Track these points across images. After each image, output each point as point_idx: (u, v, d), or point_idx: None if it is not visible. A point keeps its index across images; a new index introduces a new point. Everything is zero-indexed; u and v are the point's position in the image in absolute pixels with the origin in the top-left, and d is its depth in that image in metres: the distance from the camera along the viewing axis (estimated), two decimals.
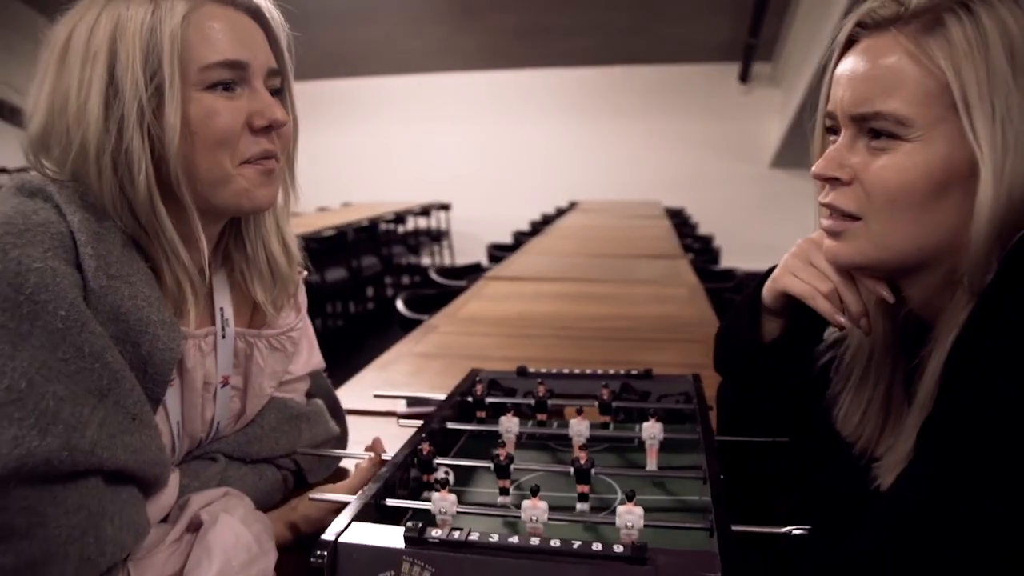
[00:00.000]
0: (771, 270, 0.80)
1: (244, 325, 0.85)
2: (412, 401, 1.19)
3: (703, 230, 5.39)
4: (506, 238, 4.92)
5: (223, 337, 0.81)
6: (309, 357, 0.95)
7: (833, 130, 0.67)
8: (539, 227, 5.20)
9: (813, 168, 0.65)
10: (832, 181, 0.64)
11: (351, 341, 4.72)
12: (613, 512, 0.74)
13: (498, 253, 3.81)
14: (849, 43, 0.66)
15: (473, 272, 3.09)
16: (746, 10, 5.53)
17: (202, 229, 0.73)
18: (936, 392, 0.57)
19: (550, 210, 6.71)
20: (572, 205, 6.77)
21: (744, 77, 6.96)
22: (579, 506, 0.75)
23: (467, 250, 7.22)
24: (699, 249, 3.84)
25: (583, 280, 2.62)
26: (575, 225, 4.91)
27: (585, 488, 0.75)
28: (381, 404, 1.16)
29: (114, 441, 0.60)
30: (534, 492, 0.65)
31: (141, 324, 0.64)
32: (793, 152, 6.66)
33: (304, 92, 0.94)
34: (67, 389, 0.57)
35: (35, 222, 0.61)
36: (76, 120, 0.66)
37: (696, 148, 7.36)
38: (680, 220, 5.55)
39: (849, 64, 0.65)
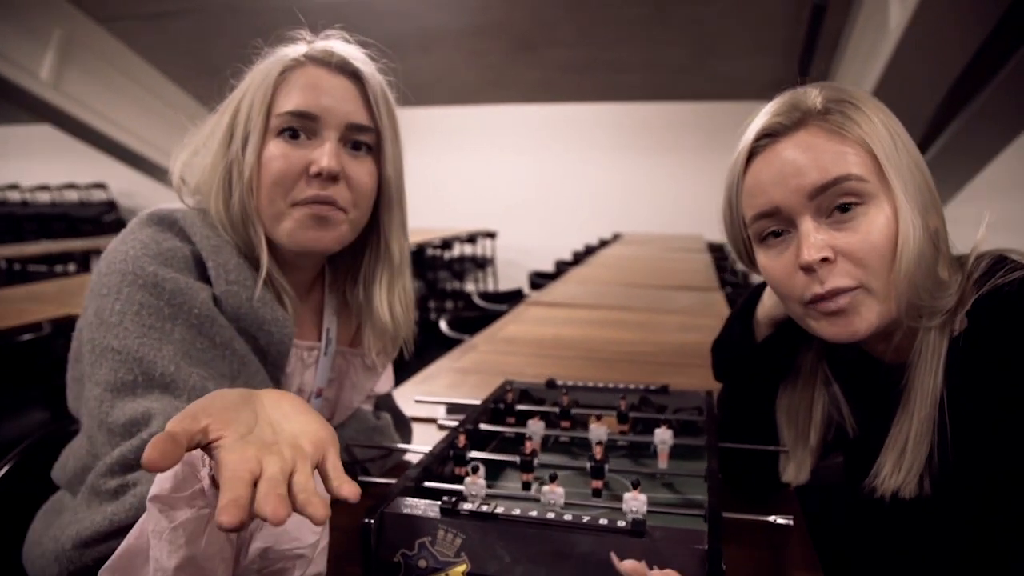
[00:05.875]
0: (760, 287, 0.91)
1: (346, 343, 0.97)
2: (451, 408, 1.31)
3: (742, 265, 5.43)
4: (549, 266, 5.04)
5: (325, 354, 0.93)
6: (388, 379, 1.08)
7: (775, 233, 0.74)
8: (581, 257, 5.30)
9: (804, 258, 0.69)
10: (823, 262, 0.70)
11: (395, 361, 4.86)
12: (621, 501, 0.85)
13: (539, 280, 3.92)
14: (750, 154, 0.76)
15: (515, 298, 3.21)
16: (795, 48, 5.59)
17: (297, 260, 0.87)
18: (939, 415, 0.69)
19: (594, 241, 6.80)
20: (616, 236, 6.86)
21: None
22: (593, 500, 0.84)
23: (511, 277, 7.35)
24: (736, 283, 3.89)
25: (615, 308, 2.71)
26: (616, 255, 5.00)
27: (599, 484, 0.84)
28: (422, 411, 1.27)
29: None
30: (552, 478, 0.75)
31: (257, 322, 0.78)
32: None
33: None
34: (207, 371, 0.72)
35: (165, 248, 0.77)
36: (207, 150, 0.82)
37: None
38: (721, 255, 5.59)
39: (781, 162, 0.72)
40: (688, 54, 6.31)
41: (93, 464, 0.73)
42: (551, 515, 0.67)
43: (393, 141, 0.87)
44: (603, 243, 6.45)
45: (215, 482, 0.54)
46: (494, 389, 1.16)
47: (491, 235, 7.80)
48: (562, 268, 4.49)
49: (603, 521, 0.66)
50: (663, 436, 0.94)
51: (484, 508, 0.68)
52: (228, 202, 0.82)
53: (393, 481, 0.88)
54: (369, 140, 0.85)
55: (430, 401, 1.22)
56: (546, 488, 0.75)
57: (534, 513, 0.68)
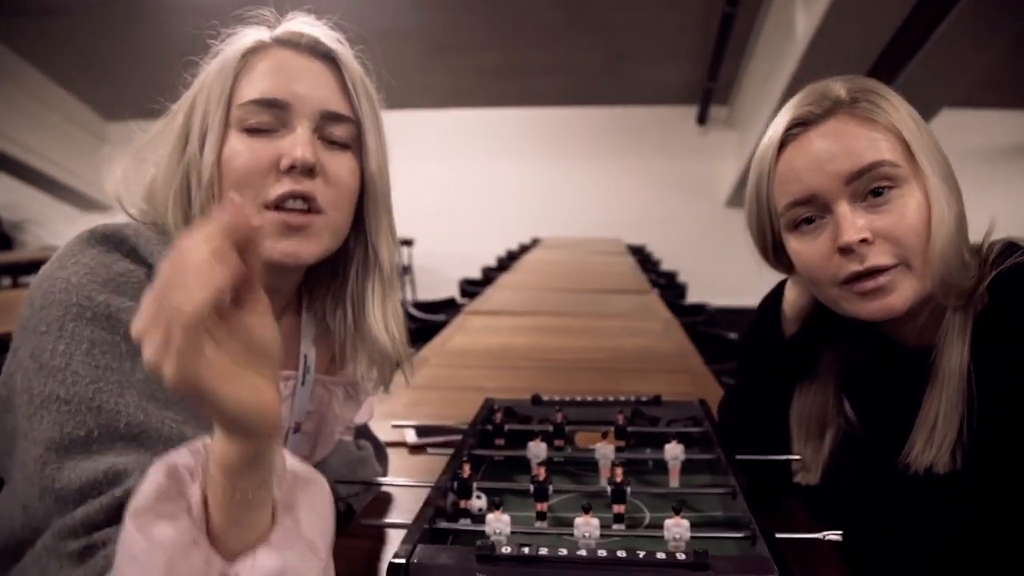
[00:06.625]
0: (780, 285, 0.90)
1: (322, 371, 0.86)
2: (421, 430, 1.23)
3: (664, 267, 5.55)
4: (468, 273, 4.97)
5: (303, 384, 0.81)
6: (369, 407, 0.98)
7: (808, 220, 0.76)
8: (505, 263, 5.27)
9: (844, 239, 0.71)
10: (862, 243, 0.71)
11: None
12: (648, 527, 0.80)
13: (470, 288, 3.85)
14: (781, 144, 0.77)
15: (449, 307, 3.13)
16: (706, 55, 5.77)
17: (271, 278, 0.74)
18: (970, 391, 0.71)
19: (513, 246, 6.79)
20: (535, 242, 6.87)
21: (702, 119, 7.21)
22: (615, 527, 0.78)
23: (429, 285, 7.24)
24: (665, 285, 3.94)
25: (558, 314, 2.68)
26: (542, 261, 4.99)
27: (621, 508, 0.78)
28: (390, 434, 1.18)
29: None
30: (586, 509, 0.69)
31: None
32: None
33: None
34: (180, 414, 0.60)
35: (116, 271, 0.64)
36: (158, 155, 0.71)
37: (655, 187, 7.56)
38: (642, 257, 5.69)
39: (814, 150, 0.74)
40: (603, 59, 6.41)
41: (28, 536, 0.61)
42: (602, 552, 0.61)
43: (376, 133, 0.77)
44: (524, 248, 6.44)
45: (205, 503, 0.47)
46: (478, 409, 1.09)
47: (408, 243, 7.67)
48: (490, 275, 4.43)
49: (661, 555, 0.60)
50: (674, 452, 0.89)
51: (525, 550, 0.61)
52: (187, 213, 0.71)
53: (394, 522, 0.80)
54: (348, 132, 0.75)
55: (408, 425, 1.14)
56: (580, 520, 0.68)
57: (583, 552, 0.61)
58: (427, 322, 2.72)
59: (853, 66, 4.11)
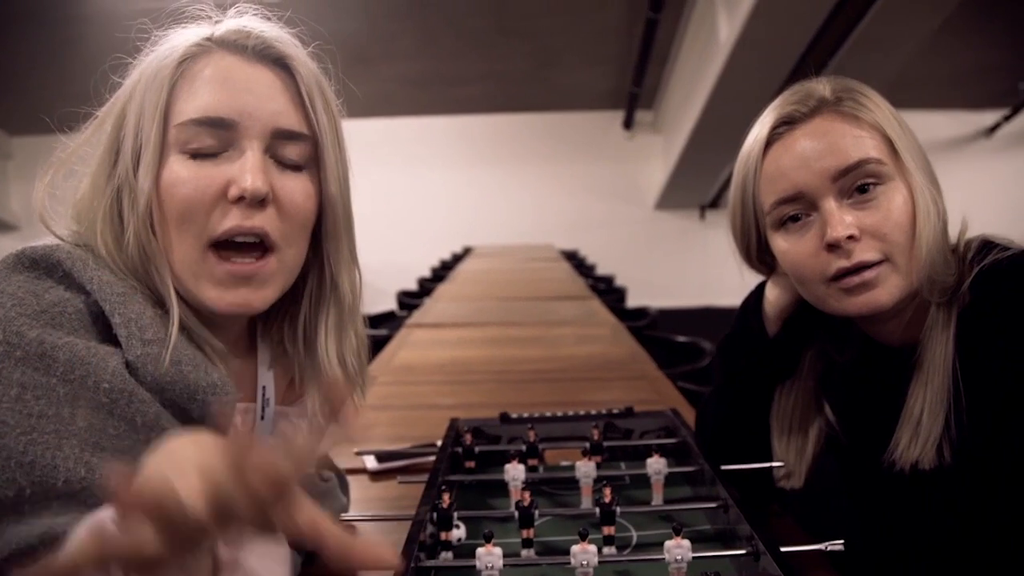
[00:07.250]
0: (760, 287, 0.89)
1: (281, 399, 0.79)
2: (382, 455, 1.16)
3: (597, 271, 5.59)
4: (402, 285, 4.87)
5: (262, 418, 0.74)
6: (330, 436, 0.91)
7: (794, 218, 0.76)
8: (441, 273, 5.19)
9: (832, 235, 0.71)
10: (849, 239, 0.71)
11: None
12: (638, 548, 0.77)
13: (409, 301, 3.77)
14: (767, 143, 0.77)
15: (389, 320, 3.05)
16: (630, 61, 5.86)
17: (221, 319, 0.68)
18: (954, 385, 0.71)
19: (445, 255, 6.71)
20: (467, 251, 6.81)
21: (628, 124, 7.31)
22: (605, 550, 0.75)
23: (364, 298, 7.07)
24: (604, 289, 3.96)
25: (505, 324, 2.64)
26: (478, 270, 4.95)
27: (611, 530, 0.75)
28: (349, 461, 1.12)
29: None
30: (583, 536, 0.65)
31: (188, 391, 0.59)
32: (675, 194, 7.03)
33: None
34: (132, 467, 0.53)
35: (49, 301, 0.57)
36: (85, 169, 0.63)
37: (584, 192, 7.62)
38: (576, 262, 5.71)
39: (801, 148, 0.74)
40: (528, 66, 6.42)
41: None
42: None
43: (335, 149, 0.70)
44: (457, 258, 6.37)
45: None
46: (445, 431, 1.04)
47: None
48: (427, 286, 4.36)
49: None
50: (657, 466, 0.86)
51: None
52: (119, 239, 0.63)
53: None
54: (304, 151, 0.67)
55: (370, 452, 1.07)
56: (576, 548, 0.65)
57: None
58: (370, 337, 2.63)
59: (775, 69, 4.24)
